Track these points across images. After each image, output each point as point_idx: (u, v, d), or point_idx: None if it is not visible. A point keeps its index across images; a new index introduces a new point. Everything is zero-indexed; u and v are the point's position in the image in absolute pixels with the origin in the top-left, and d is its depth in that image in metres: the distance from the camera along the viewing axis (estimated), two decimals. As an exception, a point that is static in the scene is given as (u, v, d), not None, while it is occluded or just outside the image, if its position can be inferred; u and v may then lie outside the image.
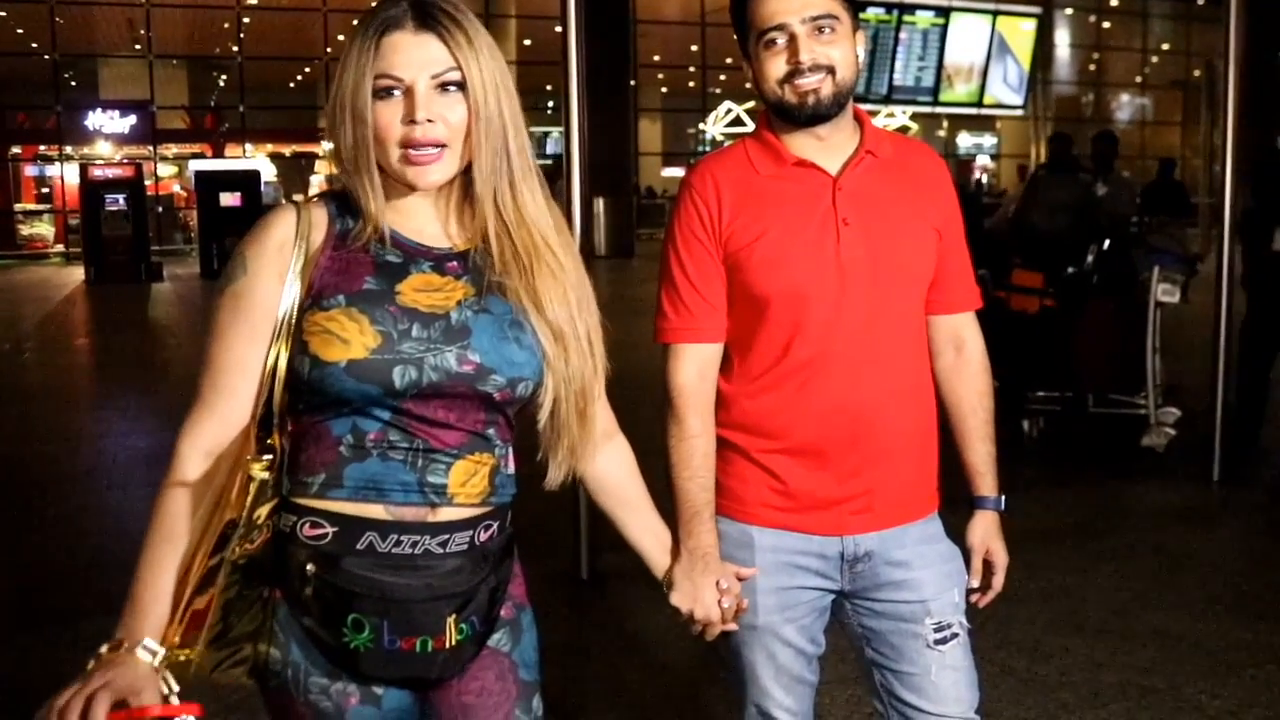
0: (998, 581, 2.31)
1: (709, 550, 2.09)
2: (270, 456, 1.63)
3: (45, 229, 28.31)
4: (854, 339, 2.11)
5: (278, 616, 1.69)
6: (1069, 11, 34.97)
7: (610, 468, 1.96)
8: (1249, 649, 4.27)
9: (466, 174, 1.72)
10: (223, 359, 1.67)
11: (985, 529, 2.30)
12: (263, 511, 1.64)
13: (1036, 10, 21.42)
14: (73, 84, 28.99)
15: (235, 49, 28.37)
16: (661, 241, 2.26)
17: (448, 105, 1.66)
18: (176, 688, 1.57)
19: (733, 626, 2.09)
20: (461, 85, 1.66)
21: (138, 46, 28.13)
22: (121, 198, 20.98)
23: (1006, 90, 25.54)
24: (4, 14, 27.71)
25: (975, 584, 2.30)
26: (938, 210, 2.21)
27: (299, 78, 32.61)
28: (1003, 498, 2.31)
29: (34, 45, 27.29)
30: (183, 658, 1.62)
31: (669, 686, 3.95)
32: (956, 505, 2.33)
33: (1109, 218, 7.92)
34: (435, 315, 1.66)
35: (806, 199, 2.12)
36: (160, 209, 27.15)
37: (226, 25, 28.08)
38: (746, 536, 2.19)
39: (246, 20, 28.19)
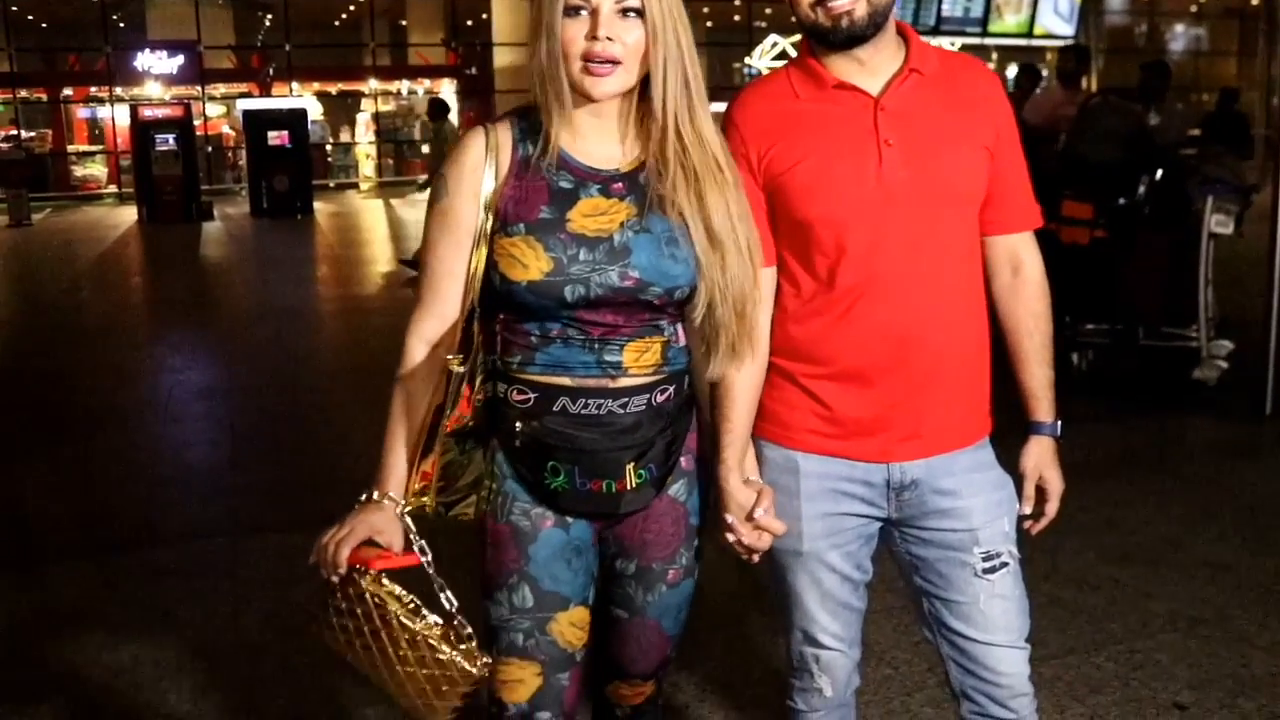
0: (1051, 509, 2.27)
1: (721, 484, 2.14)
2: (463, 354, 1.93)
3: (98, 170, 28.50)
4: (900, 262, 2.08)
5: (497, 460, 2.05)
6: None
7: (734, 380, 2.12)
8: (1299, 580, 4.25)
9: (638, 97, 1.98)
10: (434, 266, 2.02)
11: (1039, 455, 2.26)
12: (471, 389, 1.97)
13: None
14: (121, 25, 29.05)
15: (280, -13, 28.30)
16: None
17: (626, 28, 1.91)
18: (414, 529, 1.98)
19: (755, 557, 2.17)
20: (640, 13, 1.91)
21: (183, -14, 28.14)
22: (171, 138, 21.01)
23: (1057, 20, 25.02)
24: (52, -45, 27.81)
25: (1027, 510, 2.26)
26: (989, 127, 2.15)
27: (344, 16, 32.46)
28: (1059, 423, 2.27)
29: (82, -14, 27.37)
30: (421, 506, 2.01)
31: (715, 614, 3.98)
32: (1011, 434, 2.30)
33: (1161, 147, 7.79)
34: (600, 239, 1.94)
35: (847, 121, 2.09)
36: (210, 149, 27.26)
37: (272, -37, 28.03)
38: (791, 463, 2.19)
39: (292, -42, 28.09)
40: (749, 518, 2.11)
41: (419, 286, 2.05)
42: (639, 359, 2.00)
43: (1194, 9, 36.40)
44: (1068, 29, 24.63)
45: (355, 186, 28.72)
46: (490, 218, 1.96)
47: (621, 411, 1.99)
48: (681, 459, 2.11)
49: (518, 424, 2.01)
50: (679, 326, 2.06)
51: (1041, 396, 2.27)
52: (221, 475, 5.99)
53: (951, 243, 2.14)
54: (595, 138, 2.00)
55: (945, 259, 2.13)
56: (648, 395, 2.01)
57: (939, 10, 23.89)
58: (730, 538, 2.13)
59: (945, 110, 2.12)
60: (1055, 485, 2.27)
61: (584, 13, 1.90)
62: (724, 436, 2.13)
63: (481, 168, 1.97)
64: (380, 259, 15.28)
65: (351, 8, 31.21)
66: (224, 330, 10.39)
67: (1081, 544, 4.55)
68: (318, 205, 22.20)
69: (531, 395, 1.99)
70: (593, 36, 1.89)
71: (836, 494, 2.18)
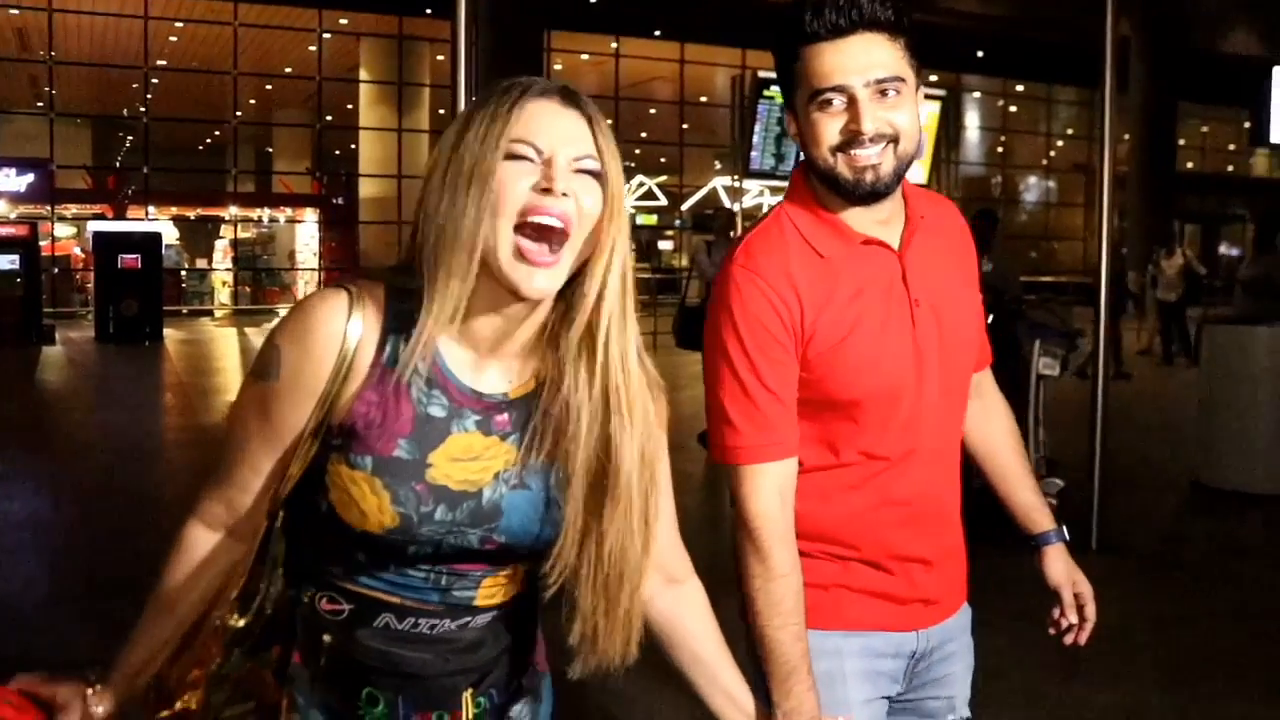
0: (1091, 612, 2.17)
1: (810, 712, 1.78)
2: (242, 611, 1.55)
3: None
4: (936, 426, 1.93)
5: (298, 683, 1.58)
6: (976, 95, 35.89)
7: (680, 616, 1.74)
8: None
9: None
10: (237, 453, 1.57)
11: (1066, 561, 2.19)
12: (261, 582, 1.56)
13: (940, 93, 21.81)
14: (-30, 142, 28.48)
15: (142, 109, 28.03)
16: (711, 340, 1.90)
17: (585, 188, 1.44)
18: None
19: None
20: (599, 176, 1.46)
21: (40, 104, 27.72)
22: (14, 258, 20.47)
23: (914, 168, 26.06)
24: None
25: (1072, 619, 2.17)
26: (973, 267, 2.05)
27: (209, 140, 32.33)
28: (1064, 527, 2.23)
29: (-68, 101, 26.80)
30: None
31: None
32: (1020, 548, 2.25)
33: (993, 293, 8.02)
34: (466, 494, 1.50)
35: (882, 282, 1.88)
36: (56, 270, 26.58)
37: (134, 85, 27.77)
38: (831, 644, 1.94)
39: (154, 81, 27.89)
40: None
41: (217, 460, 1.61)
42: (495, 594, 1.59)
43: (1044, 163, 38.36)
44: (919, 178, 25.53)
45: (210, 314, 27.97)
46: (327, 425, 1.48)
47: (459, 630, 1.57)
48: (522, 678, 1.69)
49: (325, 638, 1.56)
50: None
51: (1040, 506, 2.21)
52: (44, 610, 5.71)
53: (963, 397, 2.02)
54: (490, 342, 1.51)
55: (959, 415, 2.01)
56: (494, 613, 1.60)
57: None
58: None
59: (946, 257, 1.98)
60: (1087, 587, 2.19)
61: (533, 159, 1.43)
62: (776, 667, 1.82)
63: (331, 360, 1.46)
64: (229, 389, 14.86)
65: (216, 133, 31.11)
66: (56, 459, 10.00)
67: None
68: (168, 331, 21.70)
69: (346, 607, 1.55)
70: (545, 189, 1.41)
71: (875, 675, 1.98)
